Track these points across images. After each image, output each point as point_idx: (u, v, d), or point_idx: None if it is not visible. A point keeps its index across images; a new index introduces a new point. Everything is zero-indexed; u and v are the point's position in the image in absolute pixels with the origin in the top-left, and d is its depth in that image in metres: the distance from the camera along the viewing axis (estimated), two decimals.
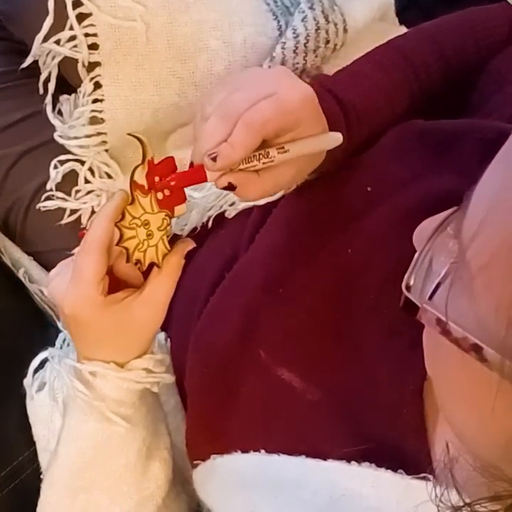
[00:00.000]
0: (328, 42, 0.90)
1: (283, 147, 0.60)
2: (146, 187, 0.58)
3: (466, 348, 0.39)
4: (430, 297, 0.42)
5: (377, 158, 0.74)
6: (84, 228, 0.62)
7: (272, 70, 0.64)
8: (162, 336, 0.80)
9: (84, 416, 0.64)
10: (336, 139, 0.63)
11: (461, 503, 0.46)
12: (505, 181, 0.38)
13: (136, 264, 0.58)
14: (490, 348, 0.37)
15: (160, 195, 0.58)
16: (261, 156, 0.59)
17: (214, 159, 0.56)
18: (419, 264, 0.44)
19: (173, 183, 0.58)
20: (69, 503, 0.67)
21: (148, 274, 0.61)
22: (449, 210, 0.44)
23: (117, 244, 0.57)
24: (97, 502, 0.67)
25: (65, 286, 0.60)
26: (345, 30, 0.91)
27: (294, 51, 0.88)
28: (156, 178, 0.58)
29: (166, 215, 0.59)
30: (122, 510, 0.67)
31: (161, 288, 0.60)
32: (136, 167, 0.57)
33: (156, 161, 0.58)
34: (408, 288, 0.44)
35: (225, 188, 0.59)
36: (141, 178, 0.57)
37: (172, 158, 0.59)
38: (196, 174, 0.58)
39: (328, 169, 0.70)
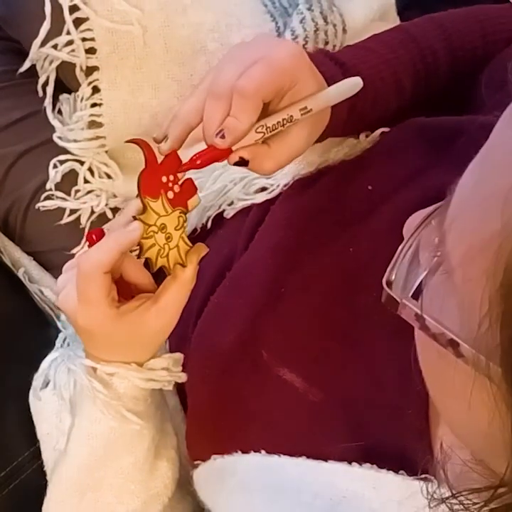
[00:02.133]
0: (327, 43, 0.89)
1: (306, 107, 0.59)
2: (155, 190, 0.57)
3: (444, 343, 0.40)
4: (414, 293, 0.43)
5: (378, 156, 0.74)
6: (90, 231, 0.61)
7: (253, 38, 0.63)
8: None
9: (97, 415, 0.65)
10: (356, 83, 0.62)
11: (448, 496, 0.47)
12: (479, 179, 0.38)
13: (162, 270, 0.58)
14: (466, 344, 0.38)
15: (171, 194, 0.58)
16: (285, 121, 0.59)
17: (223, 136, 0.56)
18: (401, 259, 0.44)
19: (198, 162, 0.57)
20: (76, 501, 0.67)
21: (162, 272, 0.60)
22: (437, 204, 0.45)
23: (139, 257, 0.57)
24: (104, 501, 0.67)
25: (73, 299, 0.59)
26: (344, 31, 0.90)
27: None
28: (164, 178, 0.57)
29: (180, 212, 0.58)
30: (128, 509, 0.68)
31: (177, 298, 0.60)
32: (141, 173, 0.56)
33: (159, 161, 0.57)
34: (389, 283, 0.44)
35: (237, 164, 0.58)
36: (148, 182, 0.56)
37: (174, 152, 0.59)
38: (215, 152, 0.58)
39: (337, 135, 0.71)
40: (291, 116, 0.59)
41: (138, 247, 0.57)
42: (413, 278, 0.43)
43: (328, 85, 0.62)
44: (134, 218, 0.56)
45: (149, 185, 0.56)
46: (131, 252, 0.60)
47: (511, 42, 0.80)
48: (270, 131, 0.58)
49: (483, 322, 0.36)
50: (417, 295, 0.43)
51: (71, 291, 0.60)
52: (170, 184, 0.58)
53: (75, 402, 0.68)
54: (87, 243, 0.61)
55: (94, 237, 0.60)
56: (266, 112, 0.59)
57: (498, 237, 0.35)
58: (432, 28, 0.79)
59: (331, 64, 0.68)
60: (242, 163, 0.58)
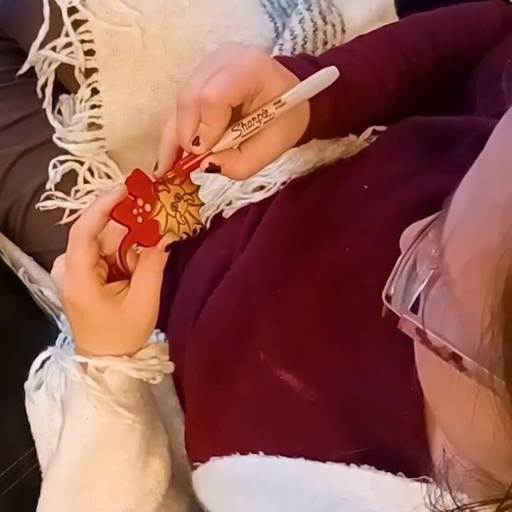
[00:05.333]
0: (326, 43, 0.89)
1: (280, 100, 0.59)
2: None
3: (446, 357, 0.39)
4: (413, 306, 0.43)
5: (375, 156, 0.74)
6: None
7: (220, 47, 0.64)
8: (162, 336, 0.81)
9: (88, 413, 0.65)
10: (331, 73, 0.62)
11: (454, 507, 0.47)
12: (477, 191, 0.38)
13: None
14: (468, 357, 0.38)
15: (148, 207, 0.59)
16: (260, 117, 0.59)
17: (198, 143, 0.58)
18: (399, 273, 0.44)
19: (184, 168, 0.59)
20: (69, 502, 0.68)
21: None
22: (433, 215, 0.44)
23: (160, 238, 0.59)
24: (97, 500, 0.68)
25: (63, 268, 0.62)
26: (343, 31, 0.90)
27: (292, 53, 0.88)
28: (134, 211, 0.58)
29: (163, 190, 0.60)
30: (122, 508, 0.68)
31: (145, 282, 0.61)
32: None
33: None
34: (388, 298, 0.44)
35: (209, 171, 0.59)
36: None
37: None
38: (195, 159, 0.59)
39: (322, 137, 0.71)
40: (266, 110, 0.59)
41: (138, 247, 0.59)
42: (412, 291, 0.43)
43: None
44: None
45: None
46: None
47: (496, 41, 0.80)
48: (247, 128, 0.59)
49: (486, 335, 0.36)
50: (416, 308, 0.42)
51: (62, 260, 0.63)
52: (140, 207, 0.59)
53: (65, 401, 0.68)
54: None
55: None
56: (239, 117, 0.60)
57: (498, 250, 0.34)
58: (416, 28, 0.79)
59: (310, 66, 0.67)
60: (214, 169, 0.59)
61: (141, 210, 0.58)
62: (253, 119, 0.59)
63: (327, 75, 0.62)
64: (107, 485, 0.67)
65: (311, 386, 0.63)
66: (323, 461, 0.59)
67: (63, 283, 0.61)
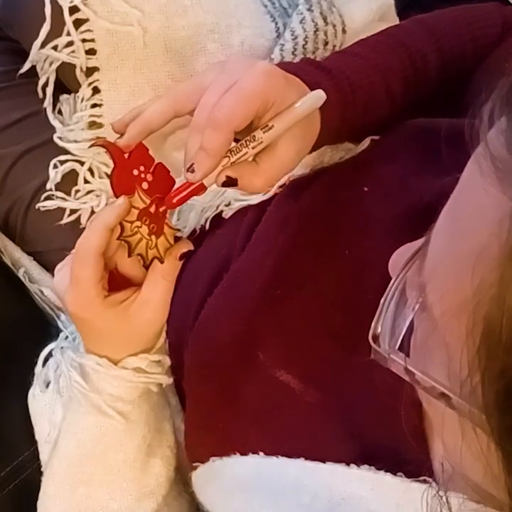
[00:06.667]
0: (326, 43, 0.89)
1: (267, 125, 0.59)
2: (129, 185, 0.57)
3: (436, 395, 0.39)
4: (401, 344, 0.42)
5: (375, 158, 0.73)
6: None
7: (228, 61, 0.62)
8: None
9: (82, 409, 0.65)
10: (318, 96, 0.61)
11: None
12: (450, 236, 0.38)
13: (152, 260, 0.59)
14: (457, 397, 0.37)
15: (145, 185, 0.57)
16: (248, 142, 0.58)
17: (193, 171, 0.56)
18: (386, 309, 0.43)
19: (175, 201, 0.58)
20: (68, 496, 0.68)
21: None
22: (421, 241, 0.43)
23: (129, 256, 0.57)
24: (96, 497, 0.68)
25: (66, 281, 0.61)
26: (343, 32, 0.90)
27: (293, 53, 0.88)
28: (135, 171, 0.57)
29: (159, 200, 0.58)
30: (121, 506, 0.68)
31: (156, 290, 0.61)
32: (112, 173, 0.56)
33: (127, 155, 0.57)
34: (375, 337, 0.43)
35: (226, 185, 0.58)
36: (120, 181, 0.56)
37: (140, 143, 0.58)
38: (192, 186, 0.58)
39: (331, 142, 0.70)
40: (254, 136, 0.58)
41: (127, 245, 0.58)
42: (399, 328, 0.43)
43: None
44: None
45: (122, 184, 0.57)
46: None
47: (496, 46, 0.79)
48: (235, 155, 0.58)
49: (465, 384, 0.35)
50: (404, 346, 0.42)
51: (66, 273, 0.62)
52: (142, 175, 0.57)
53: (69, 396, 0.68)
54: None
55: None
56: (250, 129, 0.59)
57: (471, 302, 0.34)
58: (421, 32, 0.78)
59: (316, 71, 0.67)
60: (231, 182, 0.58)
61: (142, 176, 0.58)
62: (241, 145, 0.58)
63: (315, 99, 0.61)
64: (104, 483, 0.67)
65: (310, 387, 0.63)
66: (323, 462, 0.59)
67: (67, 296, 0.61)
